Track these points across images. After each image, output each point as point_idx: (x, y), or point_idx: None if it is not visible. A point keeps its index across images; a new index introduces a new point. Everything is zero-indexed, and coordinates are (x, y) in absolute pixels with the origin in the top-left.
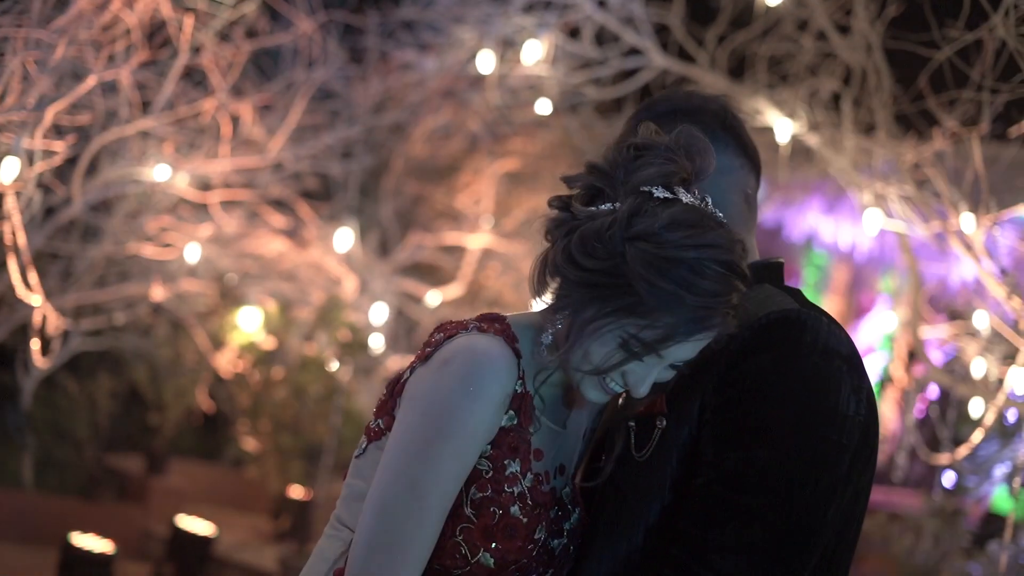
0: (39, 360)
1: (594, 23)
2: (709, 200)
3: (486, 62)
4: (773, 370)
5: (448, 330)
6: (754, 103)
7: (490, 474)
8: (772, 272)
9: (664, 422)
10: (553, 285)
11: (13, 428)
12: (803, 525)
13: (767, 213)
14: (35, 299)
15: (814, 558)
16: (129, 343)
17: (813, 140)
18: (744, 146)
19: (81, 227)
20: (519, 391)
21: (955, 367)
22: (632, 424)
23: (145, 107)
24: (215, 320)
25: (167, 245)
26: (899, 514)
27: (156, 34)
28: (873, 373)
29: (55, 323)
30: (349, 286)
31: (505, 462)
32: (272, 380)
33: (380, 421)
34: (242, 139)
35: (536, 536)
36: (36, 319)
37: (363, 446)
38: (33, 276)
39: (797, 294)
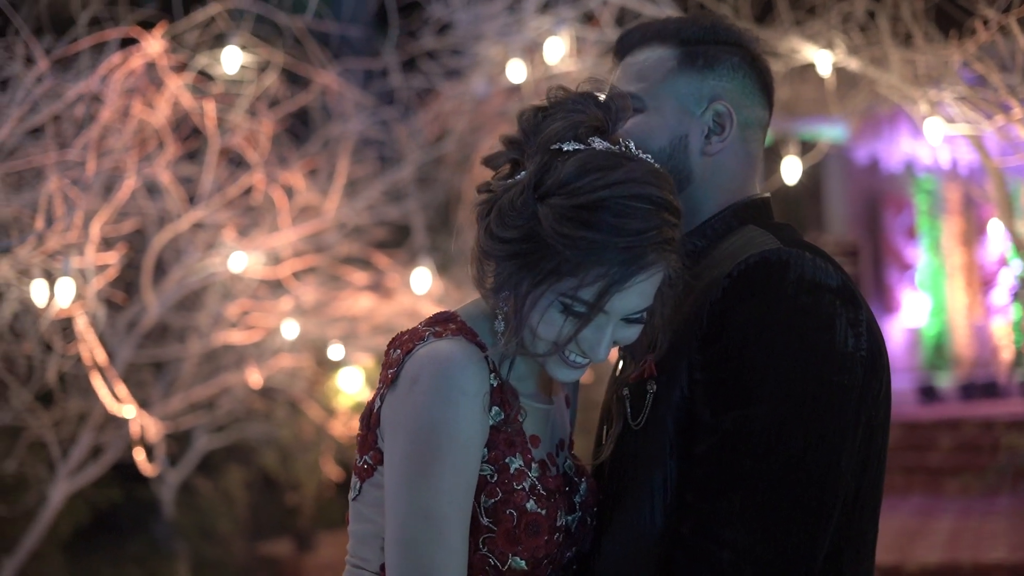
0: (146, 469)
1: (612, 7)
2: (631, 144)
3: (517, 72)
4: (758, 318)
5: (404, 344)
6: (787, 43)
7: (495, 477)
8: (756, 211)
9: (655, 386)
10: (490, 269)
11: (161, 539)
12: (815, 480)
13: (857, 151)
14: (127, 410)
15: (835, 511)
16: (252, 431)
17: (855, 64)
18: (772, 93)
19: (178, 330)
20: (495, 384)
21: None
22: (627, 393)
23: (194, 200)
24: (319, 389)
25: (252, 328)
26: None
27: (182, 125)
28: (1007, 286)
29: (153, 430)
30: None
31: (506, 460)
32: None
33: (367, 458)
34: (299, 207)
35: (559, 524)
36: (135, 430)
37: (357, 487)
38: (122, 389)
39: (785, 230)
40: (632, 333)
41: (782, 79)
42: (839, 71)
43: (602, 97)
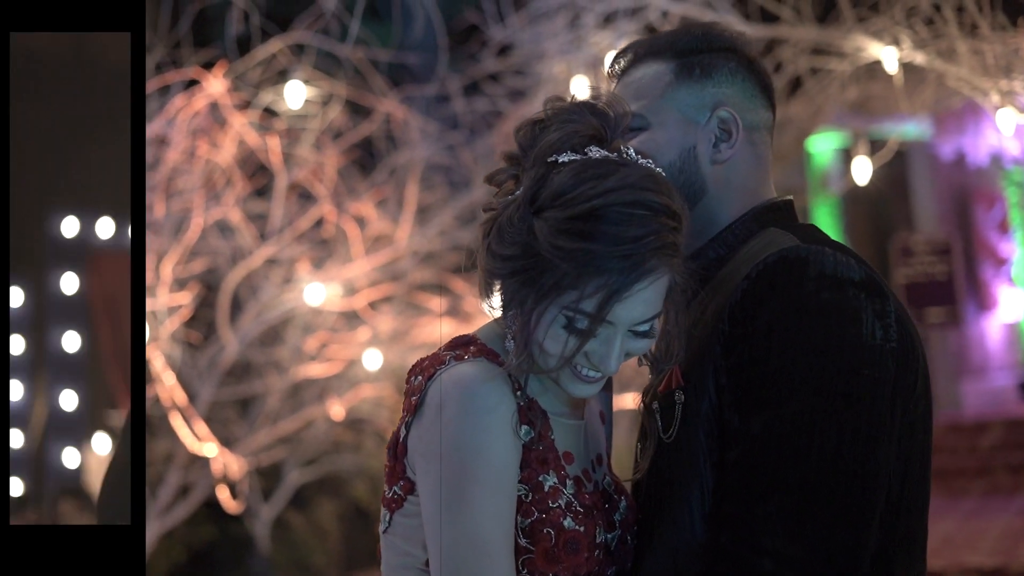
0: (230, 507)
1: (673, 17)
2: (631, 151)
3: (581, 89)
4: (780, 316)
5: (425, 370)
6: (852, 41)
7: (530, 497)
8: (778, 214)
9: (683, 396)
10: (495, 289)
11: (258, 574)
12: (852, 479)
13: (942, 147)
14: (208, 449)
15: (876, 510)
16: (342, 463)
17: (921, 59)
18: (772, 94)
19: (260, 366)
20: (523, 403)
21: None
22: (656, 406)
23: (265, 236)
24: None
25: (331, 360)
26: None
27: (248, 162)
28: None
29: (236, 467)
30: None
31: (540, 479)
32: None
33: (396, 488)
34: (371, 237)
35: (598, 540)
36: (218, 468)
37: (387, 519)
38: (202, 427)
39: (807, 230)
40: (644, 343)
41: (849, 78)
42: (908, 67)
43: (601, 105)
